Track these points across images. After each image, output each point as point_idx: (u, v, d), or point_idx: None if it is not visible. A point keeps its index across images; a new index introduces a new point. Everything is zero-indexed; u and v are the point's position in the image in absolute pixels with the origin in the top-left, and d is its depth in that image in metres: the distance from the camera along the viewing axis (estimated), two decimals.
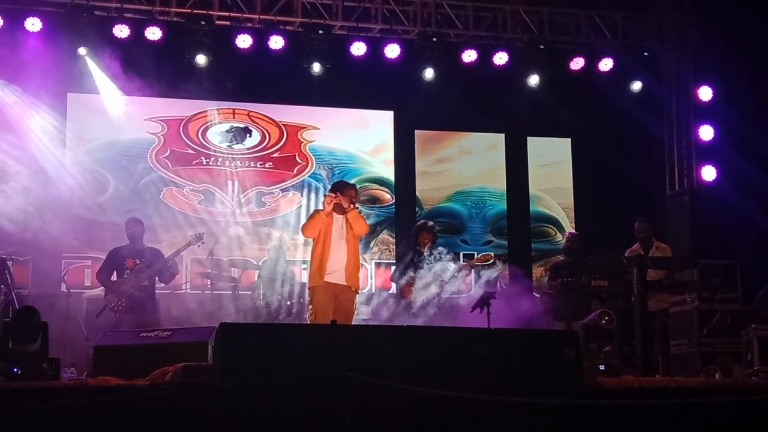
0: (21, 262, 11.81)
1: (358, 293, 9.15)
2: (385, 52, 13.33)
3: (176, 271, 11.29)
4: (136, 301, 10.50)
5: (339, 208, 8.94)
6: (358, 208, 9.10)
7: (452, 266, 11.32)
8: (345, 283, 8.83)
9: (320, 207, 9.32)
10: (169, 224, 12.98)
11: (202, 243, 11.56)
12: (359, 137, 14.22)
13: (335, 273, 8.84)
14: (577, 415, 6.27)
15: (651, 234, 10.94)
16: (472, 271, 12.40)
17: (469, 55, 13.61)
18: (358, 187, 13.73)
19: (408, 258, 11.30)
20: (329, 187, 13.59)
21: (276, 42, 12.94)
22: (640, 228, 10.90)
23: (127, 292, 10.49)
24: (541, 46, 13.74)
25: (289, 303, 11.66)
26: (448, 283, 11.25)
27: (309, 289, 9.08)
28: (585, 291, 10.51)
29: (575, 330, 9.14)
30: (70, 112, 13.00)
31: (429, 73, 13.44)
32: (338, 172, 13.85)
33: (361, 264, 10.21)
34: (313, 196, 13.63)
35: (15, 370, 7.14)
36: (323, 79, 13.26)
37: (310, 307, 8.98)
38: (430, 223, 11.58)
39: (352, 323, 8.94)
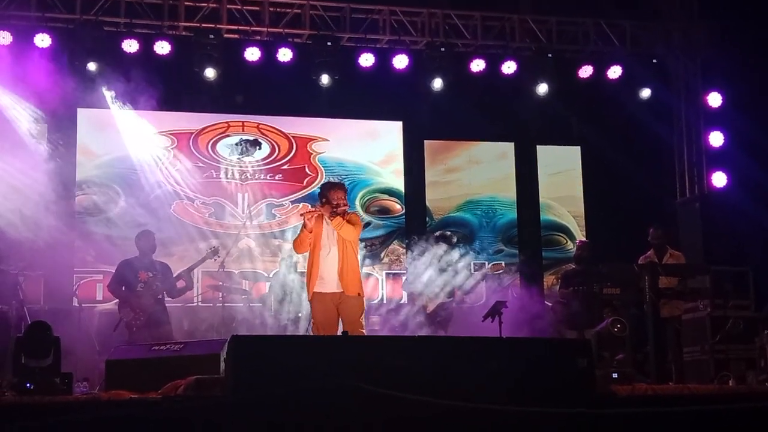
0: (32, 277, 11.85)
1: (361, 297, 8.62)
2: (393, 62, 13.36)
3: (191, 286, 11.29)
4: (152, 315, 10.50)
5: (325, 216, 8.59)
6: (348, 206, 8.71)
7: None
8: (340, 291, 8.44)
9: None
10: (180, 237, 13.00)
11: (218, 257, 11.57)
12: (369, 148, 14.23)
13: (328, 282, 8.47)
14: (590, 423, 6.24)
15: (665, 241, 10.92)
16: (484, 280, 12.41)
17: (478, 65, 13.62)
18: (368, 197, 13.87)
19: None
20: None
21: (284, 54, 12.97)
22: (654, 235, 10.87)
23: (144, 306, 10.48)
24: (550, 55, 13.75)
25: (300, 315, 11.65)
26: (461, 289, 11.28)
27: (309, 301, 8.76)
28: (597, 299, 10.48)
29: (587, 338, 9.11)
30: (80, 127, 13.06)
31: (437, 83, 13.46)
32: (348, 183, 13.84)
33: (371, 273, 9.96)
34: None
35: (28, 385, 7.15)
36: (332, 90, 13.28)
37: (311, 318, 8.80)
38: (448, 233, 11.61)
39: (363, 328, 8.69)
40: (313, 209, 8.71)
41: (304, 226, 8.62)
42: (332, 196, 8.65)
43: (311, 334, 8.76)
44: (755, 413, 6.66)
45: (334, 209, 8.55)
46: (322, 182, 9.23)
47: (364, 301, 8.82)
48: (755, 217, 12.90)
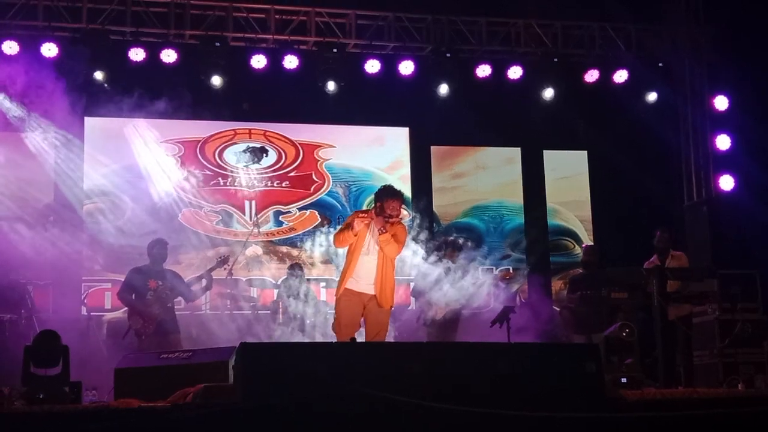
0: (41, 286, 11.89)
1: (390, 310, 8.55)
2: (399, 69, 13.37)
3: (211, 286, 11.29)
4: (161, 323, 10.51)
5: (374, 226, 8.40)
6: (400, 219, 8.55)
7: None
8: (372, 293, 8.33)
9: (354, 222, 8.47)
10: (188, 245, 13.03)
11: (227, 267, 11.59)
12: (375, 154, 14.24)
13: (362, 282, 8.38)
14: (599, 428, 6.24)
15: (670, 245, 10.90)
16: (492, 286, 12.41)
17: (483, 70, 13.62)
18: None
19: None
20: (345, 205, 13.75)
21: (290, 62, 12.99)
22: (661, 238, 10.85)
23: (153, 314, 10.49)
24: (555, 60, 13.75)
25: (308, 321, 11.65)
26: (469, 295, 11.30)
27: (336, 298, 8.58)
28: (605, 303, 10.47)
29: (596, 343, 9.10)
30: (88, 136, 13.08)
31: (443, 89, 13.47)
32: (355, 189, 13.88)
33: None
34: (329, 214, 13.64)
35: (37, 394, 7.16)
36: (338, 97, 13.30)
37: (334, 315, 8.63)
38: (461, 240, 11.64)
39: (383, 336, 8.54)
40: (366, 215, 8.46)
41: (351, 227, 8.37)
42: (388, 206, 8.39)
43: (333, 331, 8.61)
44: (764, 417, 6.65)
45: (386, 222, 8.33)
46: (383, 185, 8.75)
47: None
48: (763, 219, 12.87)
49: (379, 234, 8.31)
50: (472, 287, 12.33)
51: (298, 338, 11.33)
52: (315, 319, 11.72)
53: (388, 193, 8.50)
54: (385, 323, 8.52)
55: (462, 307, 12.03)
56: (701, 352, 11.01)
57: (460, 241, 11.56)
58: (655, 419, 6.46)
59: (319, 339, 11.18)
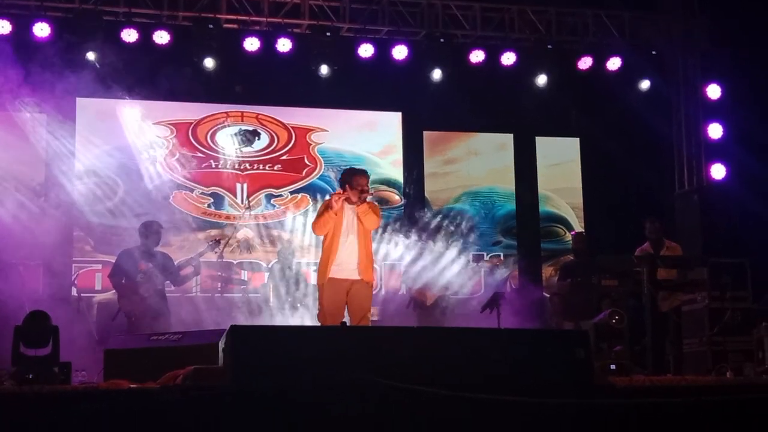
0: (31, 266, 11.86)
1: (371, 286, 8.67)
2: (392, 53, 13.35)
3: (199, 271, 11.30)
4: (151, 305, 10.50)
5: (349, 201, 8.52)
6: (371, 194, 8.72)
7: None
8: (357, 278, 8.44)
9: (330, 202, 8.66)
10: (179, 227, 12.99)
11: (218, 250, 11.59)
12: (367, 139, 14.23)
13: (344, 269, 8.46)
14: (588, 414, 6.26)
15: (662, 234, 10.93)
16: (482, 272, 12.43)
17: (477, 56, 13.61)
18: None
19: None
20: (337, 189, 13.73)
21: (284, 45, 12.96)
22: (651, 228, 10.88)
23: (143, 296, 10.48)
24: (549, 46, 13.75)
25: (298, 305, 11.66)
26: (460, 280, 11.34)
27: (318, 286, 8.75)
28: (595, 290, 10.50)
29: (585, 330, 9.13)
30: (79, 116, 13.04)
31: (437, 74, 13.46)
32: None
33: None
34: (321, 198, 13.63)
35: (27, 374, 7.15)
36: (331, 81, 13.28)
37: (318, 304, 8.77)
38: (445, 224, 11.65)
39: (368, 318, 8.66)
40: (342, 191, 8.54)
41: (330, 207, 8.46)
42: (356, 182, 8.52)
43: (318, 320, 8.68)
44: (752, 405, 6.67)
45: (361, 194, 8.47)
46: (345, 168, 9.04)
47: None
48: (754, 208, 12.91)
49: (358, 205, 8.42)
50: (462, 272, 12.38)
51: (289, 321, 11.34)
52: (305, 303, 11.73)
53: (353, 172, 8.75)
54: (368, 300, 8.63)
55: (452, 292, 12.06)
56: (690, 340, 11.05)
57: (445, 224, 11.56)
58: (643, 406, 6.48)
59: (309, 323, 11.19)
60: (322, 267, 8.60)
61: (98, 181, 12.97)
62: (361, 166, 13.82)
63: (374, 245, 12.99)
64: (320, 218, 8.59)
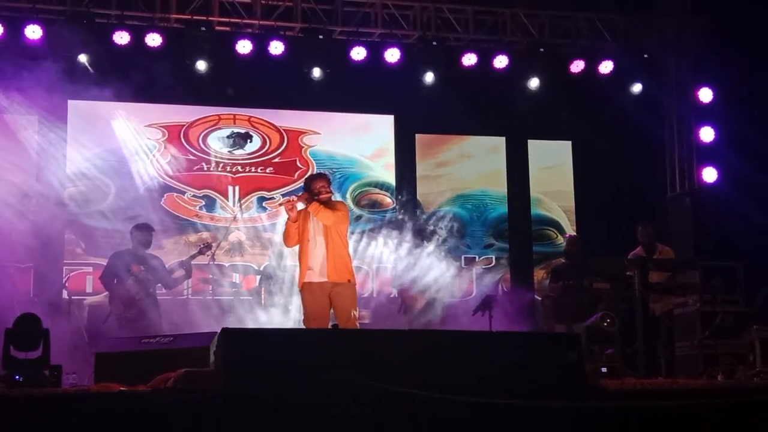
0: (22, 269, 11.84)
1: (352, 284, 8.62)
2: (385, 56, 13.34)
3: (191, 275, 11.30)
4: (142, 308, 10.48)
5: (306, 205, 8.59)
6: (331, 194, 8.74)
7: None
8: (327, 280, 8.46)
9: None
10: (171, 230, 13.00)
11: (210, 253, 11.58)
12: (360, 141, 14.23)
13: (317, 272, 8.50)
14: (579, 417, 6.26)
15: (654, 238, 10.94)
16: (474, 274, 12.44)
17: (469, 59, 13.60)
18: (359, 191, 13.87)
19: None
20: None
21: (276, 47, 12.94)
22: (643, 232, 10.89)
23: (134, 299, 10.46)
24: (541, 49, 13.74)
25: (290, 308, 11.66)
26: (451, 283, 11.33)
27: (300, 289, 8.79)
28: (587, 293, 10.50)
29: (577, 332, 9.13)
30: (71, 119, 13.01)
31: (429, 77, 13.46)
32: (339, 176, 13.86)
33: (361, 266, 9.90)
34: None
35: (17, 377, 7.13)
36: (324, 83, 13.27)
37: (303, 309, 8.78)
38: (437, 227, 11.65)
39: (356, 320, 8.64)
40: (292, 198, 8.72)
41: (288, 217, 8.63)
42: (313, 186, 8.68)
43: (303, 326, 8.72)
44: (744, 408, 6.68)
45: (313, 197, 8.56)
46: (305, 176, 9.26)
47: (356, 291, 8.79)
48: (745, 212, 12.93)
49: (307, 205, 8.50)
50: (453, 275, 12.38)
51: (280, 324, 11.33)
52: (297, 306, 11.71)
53: (311, 178, 8.98)
54: (350, 301, 8.56)
55: (443, 295, 12.07)
56: (682, 343, 11.05)
57: (437, 228, 11.56)
58: (635, 409, 6.48)
59: (300, 326, 11.17)
60: (300, 273, 8.70)
61: (89, 184, 12.94)
62: (354, 168, 13.95)
63: (365, 248, 13.13)
64: (284, 231, 8.80)
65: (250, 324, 11.22)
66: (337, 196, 10.50)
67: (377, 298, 13.07)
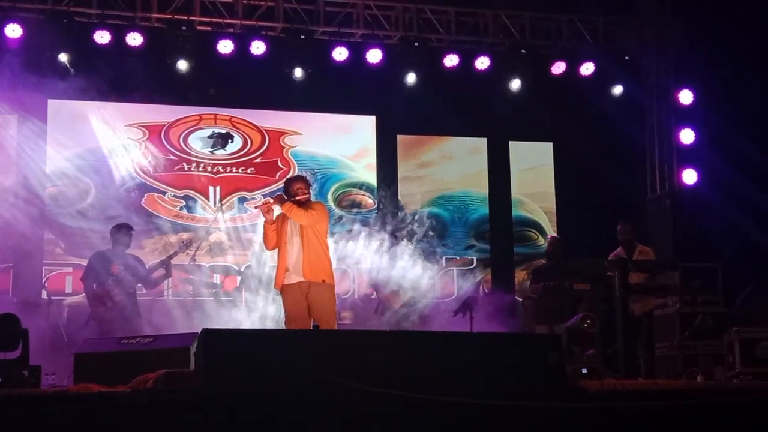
0: (1, 269, 11.77)
1: (328, 284, 8.62)
2: (367, 57, 13.34)
3: (170, 274, 11.26)
4: (123, 309, 10.44)
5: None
6: (308, 195, 8.77)
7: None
8: (303, 279, 8.51)
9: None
10: (151, 230, 12.96)
11: (190, 251, 11.55)
12: (342, 142, 14.22)
13: (294, 272, 8.55)
14: (559, 418, 6.27)
15: (634, 237, 10.97)
16: (454, 275, 12.45)
17: (451, 60, 13.61)
18: (340, 191, 13.86)
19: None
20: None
21: (258, 47, 12.91)
22: (622, 230, 10.92)
23: (114, 299, 10.42)
24: (523, 51, 13.78)
25: (271, 309, 11.63)
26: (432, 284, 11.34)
27: (279, 294, 8.88)
28: (567, 294, 10.51)
29: (558, 333, 9.14)
30: (51, 118, 12.95)
31: (411, 78, 13.46)
32: (321, 177, 13.85)
33: (342, 267, 9.91)
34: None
35: None
36: (305, 84, 13.25)
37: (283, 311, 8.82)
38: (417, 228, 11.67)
39: (335, 321, 8.72)
40: (267, 201, 8.83)
41: (266, 220, 8.70)
42: (291, 188, 8.78)
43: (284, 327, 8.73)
44: (723, 409, 6.71)
45: (289, 198, 8.65)
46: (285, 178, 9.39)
47: (335, 292, 8.80)
48: (725, 213, 13.00)
49: (281, 205, 8.57)
50: (433, 276, 12.37)
51: (261, 325, 11.31)
52: (278, 306, 11.70)
53: (290, 179, 9.18)
54: (327, 301, 8.60)
55: (423, 296, 12.06)
56: (662, 344, 11.11)
57: (416, 228, 11.58)
58: (615, 409, 6.50)
59: (281, 326, 11.15)
60: (276, 275, 8.74)
61: (69, 184, 12.88)
62: (335, 168, 13.94)
63: (346, 248, 13.10)
64: (263, 235, 8.86)
65: (231, 325, 11.18)
66: (316, 198, 10.50)
67: (359, 298, 13.06)
